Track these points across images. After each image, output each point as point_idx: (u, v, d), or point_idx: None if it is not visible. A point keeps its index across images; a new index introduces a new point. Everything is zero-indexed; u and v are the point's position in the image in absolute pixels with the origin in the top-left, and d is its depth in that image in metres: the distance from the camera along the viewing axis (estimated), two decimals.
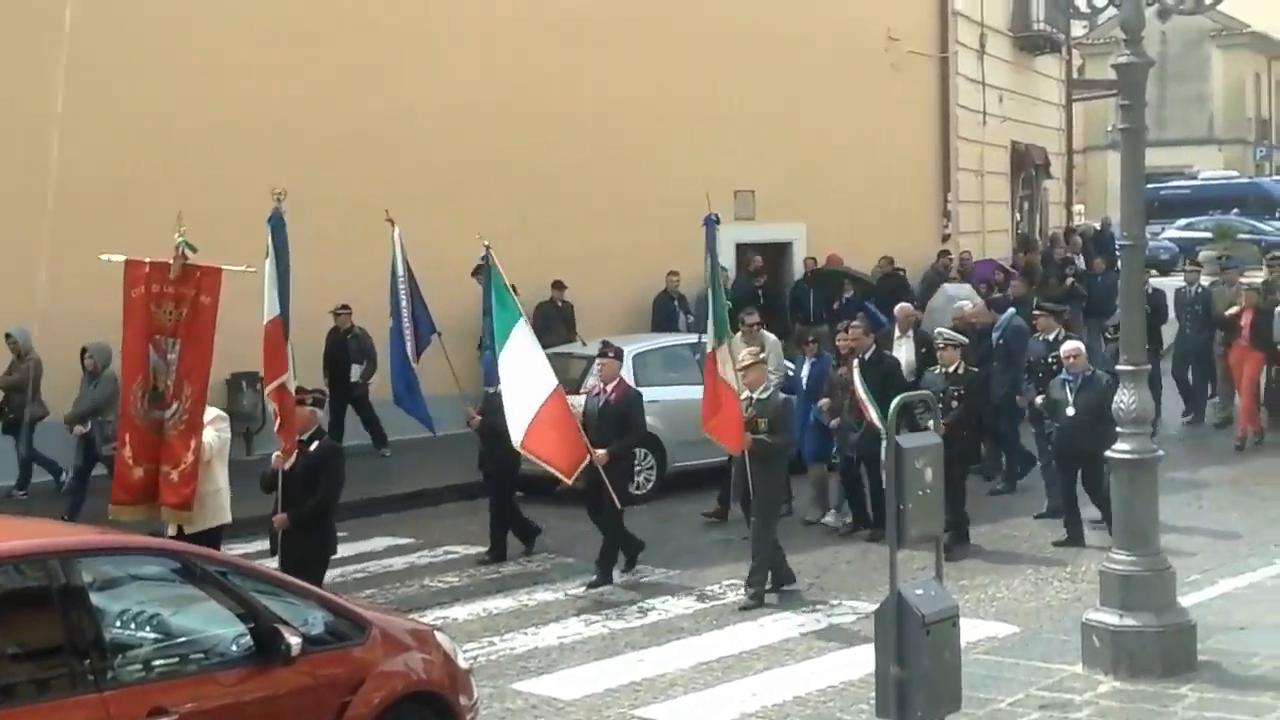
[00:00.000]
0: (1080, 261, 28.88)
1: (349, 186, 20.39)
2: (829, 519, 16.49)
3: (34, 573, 7.65)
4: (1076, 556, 14.82)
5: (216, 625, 8.13)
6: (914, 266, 26.46)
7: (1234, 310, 21.04)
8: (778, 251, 26.16)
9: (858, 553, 15.08)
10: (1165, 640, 10.60)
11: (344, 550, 15.78)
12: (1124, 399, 10.91)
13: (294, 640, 8.00)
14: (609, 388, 14.75)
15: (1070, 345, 15.76)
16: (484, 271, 14.83)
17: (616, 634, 12.74)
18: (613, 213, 23.23)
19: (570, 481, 13.85)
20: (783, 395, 14.34)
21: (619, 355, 15.18)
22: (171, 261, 11.84)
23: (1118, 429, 11.05)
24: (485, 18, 22.42)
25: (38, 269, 14.35)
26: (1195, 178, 59.12)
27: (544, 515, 16.30)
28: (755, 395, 13.90)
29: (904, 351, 18.52)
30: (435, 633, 9.37)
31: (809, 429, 16.58)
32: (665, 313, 23.20)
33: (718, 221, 14.78)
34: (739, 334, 16.88)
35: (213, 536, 11.92)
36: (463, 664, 9.28)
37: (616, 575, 14.28)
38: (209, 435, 11.94)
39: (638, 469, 17.78)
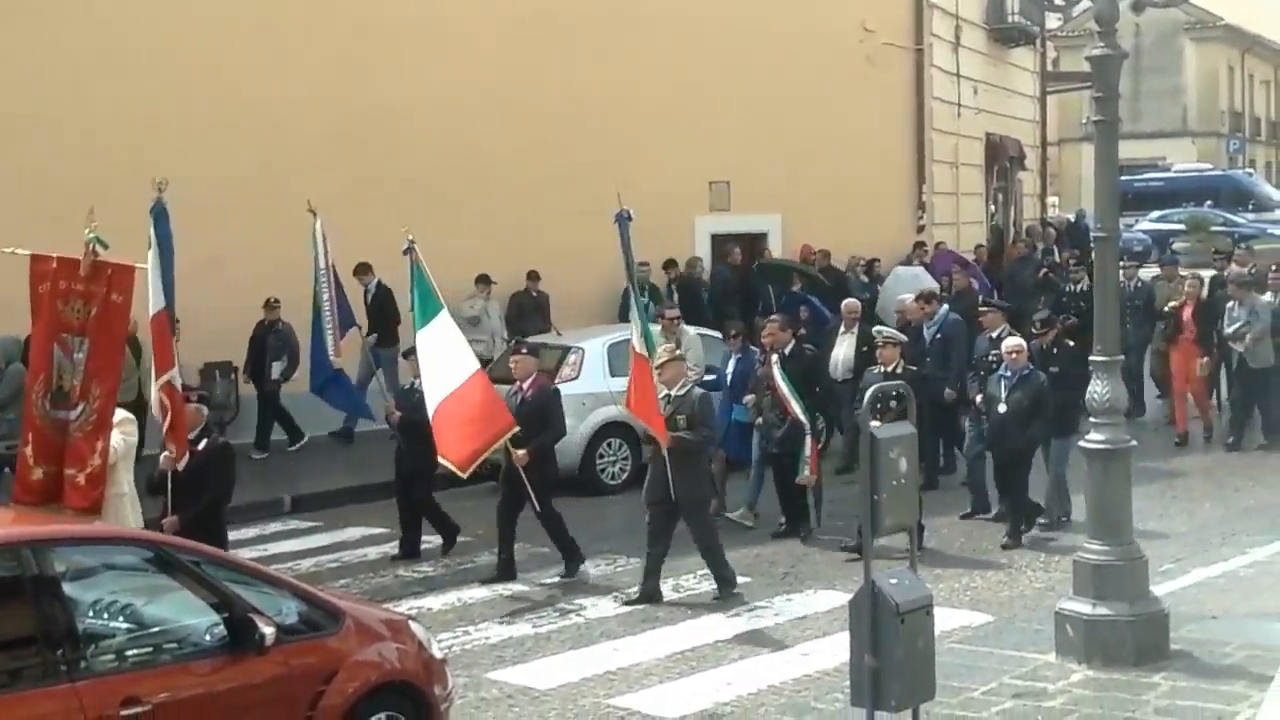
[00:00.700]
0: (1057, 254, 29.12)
1: (330, 182, 20.29)
2: (736, 515, 16.06)
3: (6, 562, 7.64)
4: (1050, 546, 14.87)
5: (190, 615, 8.13)
6: (889, 258, 26.51)
7: (1174, 304, 20.62)
8: (754, 242, 26.13)
9: (833, 541, 15.07)
10: (1138, 629, 10.65)
11: (318, 540, 15.87)
12: (1097, 389, 10.97)
13: (268, 630, 7.99)
14: (525, 385, 14.27)
15: (1011, 341, 15.51)
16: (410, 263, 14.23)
17: (591, 623, 12.75)
18: (589, 205, 22.98)
19: (464, 474, 13.45)
20: (700, 391, 13.89)
21: (534, 351, 14.90)
22: (81, 258, 11.30)
23: (1092, 419, 11.11)
24: (464, 15, 22.37)
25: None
26: (1169, 170, 59.28)
27: None
28: (673, 392, 13.57)
29: (845, 347, 18.28)
30: (409, 622, 9.36)
31: (730, 426, 16.23)
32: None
33: (629, 219, 14.30)
34: (658, 330, 16.61)
35: None
36: (437, 654, 9.28)
37: (478, 588, 13.84)
38: (115, 438, 11.34)
39: (613, 459, 17.79)
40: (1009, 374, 15.10)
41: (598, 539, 15.12)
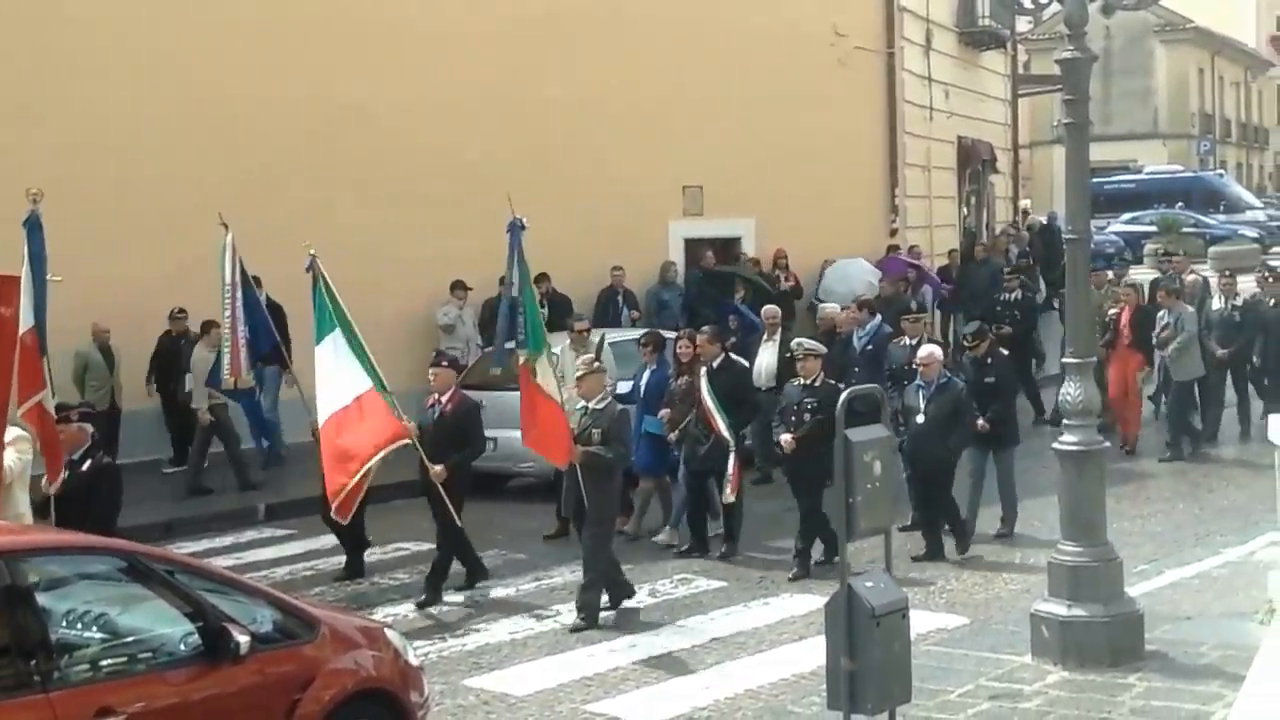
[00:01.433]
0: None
1: (304, 183, 20.32)
2: (662, 536, 15.58)
3: None
4: (1025, 547, 14.90)
5: (164, 624, 8.08)
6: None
7: (1113, 311, 20.09)
8: (728, 246, 26.13)
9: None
10: (1113, 630, 10.69)
11: (293, 548, 15.82)
12: (1070, 391, 11.01)
13: (243, 639, 7.96)
14: (443, 399, 13.83)
15: (925, 350, 15.01)
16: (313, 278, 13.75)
17: (568, 629, 12.72)
18: (561, 209, 23.15)
19: (334, 512, 13.16)
20: (619, 407, 13.41)
21: (453, 364, 14.45)
22: None
23: (1065, 421, 11.14)
24: (439, 16, 22.33)
25: None
26: (1140, 172, 59.59)
27: (494, 512, 16.30)
28: (591, 405, 13.10)
29: (768, 356, 17.62)
30: (385, 630, 9.35)
31: (644, 439, 15.74)
32: (609, 308, 23.13)
33: (523, 227, 13.96)
34: (569, 342, 16.56)
35: None
36: (413, 661, 9.26)
37: (454, 595, 13.69)
38: (9, 458, 10.81)
39: None
40: (926, 384, 14.67)
41: (573, 542, 15.05)
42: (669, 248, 25.26)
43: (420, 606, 13.42)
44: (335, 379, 13.26)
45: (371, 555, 15.17)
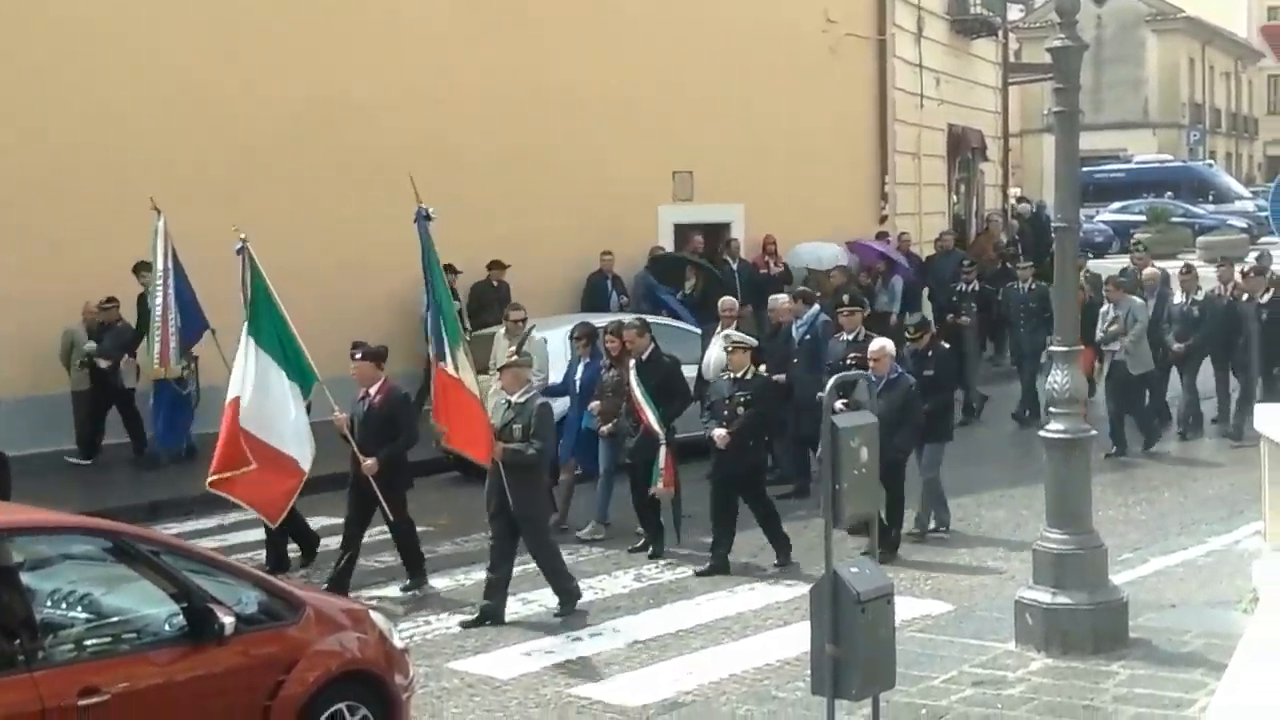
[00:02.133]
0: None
1: (288, 170, 20.28)
2: (586, 531, 15.26)
3: None
4: (1011, 535, 14.93)
5: (149, 605, 8.09)
6: None
7: None
8: (718, 232, 26.12)
9: (794, 529, 15.07)
10: (1097, 618, 10.72)
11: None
12: (1057, 379, 11.03)
13: (227, 620, 7.97)
14: (371, 391, 13.35)
15: (875, 344, 14.51)
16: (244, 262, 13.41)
17: (553, 613, 12.74)
18: (551, 194, 23.19)
19: (274, 524, 13.18)
20: (541, 401, 13.01)
21: (369, 355, 13.57)
22: None
23: (1051, 409, 11.16)
24: (427, 4, 22.29)
25: None
26: (1130, 161, 59.66)
27: (479, 496, 16.27)
28: (513, 399, 12.76)
29: (717, 348, 16.59)
30: (370, 612, 9.35)
31: (581, 435, 15.51)
32: (598, 293, 23.09)
33: (429, 217, 13.35)
34: (503, 331, 16.26)
35: None
36: (398, 643, 9.26)
37: (398, 590, 13.57)
38: None
39: None
40: (875, 379, 13.79)
41: (556, 529, 15.04)
42: (658, 233, 25.25)
43: (406, 590, 13.40)
44: (241, 371, 13.03)
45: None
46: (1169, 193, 52.80)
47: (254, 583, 8.72)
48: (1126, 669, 10.31)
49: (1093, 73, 62.11)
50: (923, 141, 31.15)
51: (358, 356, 13.47)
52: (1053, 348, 11.26)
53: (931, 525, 15.13)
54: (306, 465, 13.14)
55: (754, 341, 14.93)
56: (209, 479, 13.03)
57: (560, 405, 15.23)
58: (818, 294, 18.32)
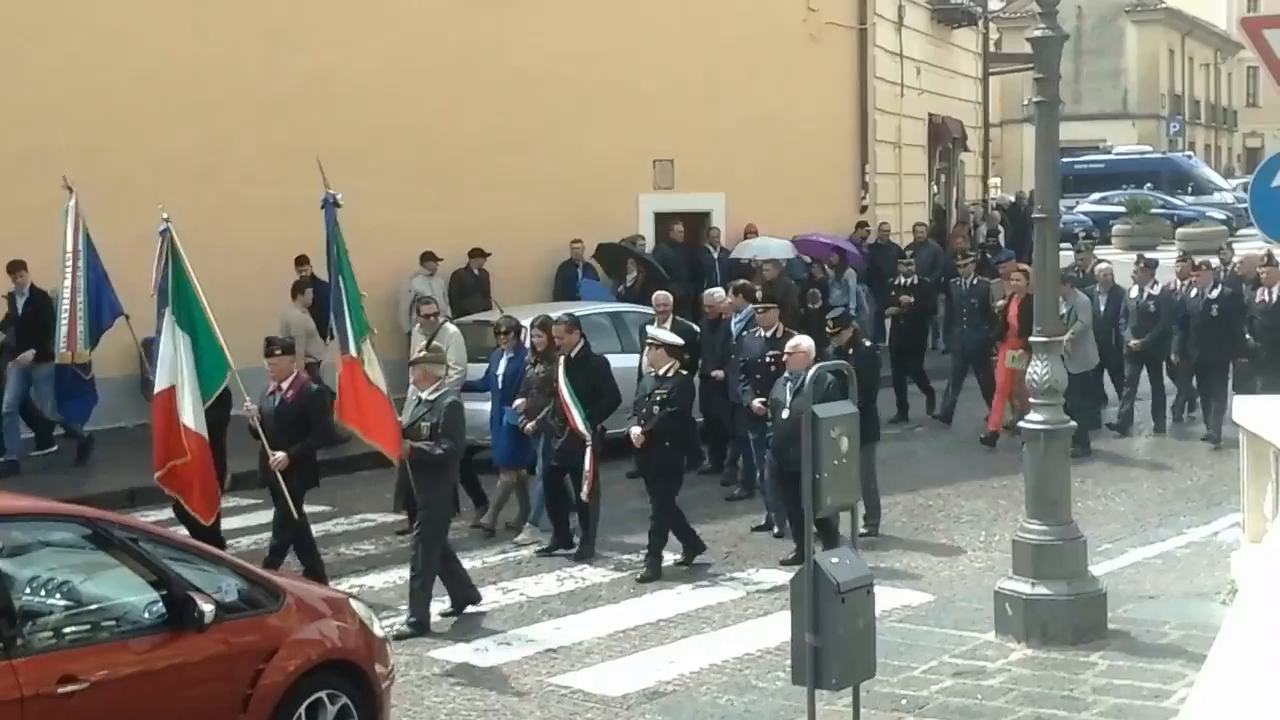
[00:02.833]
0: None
1: (264, 151, 20.19)
2: (523, 535, 14.77)
3: None
4: (990, 526, 14.97)
5: (129, 592, 8.07)
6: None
7: (1001, 303, 19.29)
8: (698, 220, 26.14)
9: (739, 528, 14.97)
10: (1076, 608, 10.75)
11: (259, 518, 15.70)
12: (1037, 369, 11.06)
13: (207, 607, 7.94)
14: (284, 385, 12.82)
15: (793, 341, 13.88)
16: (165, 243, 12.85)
17: (534, 602, 12.74)
18: (531, 182, 23.15)
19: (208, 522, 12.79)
20: (452, 398, 12.50)
21: (288, 350, 13.17)
22: None
23: (1030, 400, 11.18)
24: None
25: None
26: (1109, 152, 59.79)
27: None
28: (424, 395, 12.35)
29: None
30: (350, 600, 9.35)
31: (504, 431, 15.03)
32: (568, 281, 23.03)
33: (336, 204, 12.83)
34: (418, 327, 15.97)
35: None
36: (378, 632, 9.25)
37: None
38: None
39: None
40: (793, 376, 13.42)
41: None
42: (639, 221, 25.24)
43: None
44: (163, 358, 12.77)
45: (338, 526, 15.15)
46: (1148, 184, 52.94)
47: (234, 570, 8.70)
48: (1105, 660, 10.35)
49: (1073, 63, 62.29)
50: (903, 131, 31.17)
51: (276, 352, 12.91)
52: (1033, 338, 11.28)
53: (862, 530, 14.22)
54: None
55: (672, 339, 14.48)
56: (156, 474, 12.78)
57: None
58: (757, 289, 17.84)
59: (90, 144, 18.69)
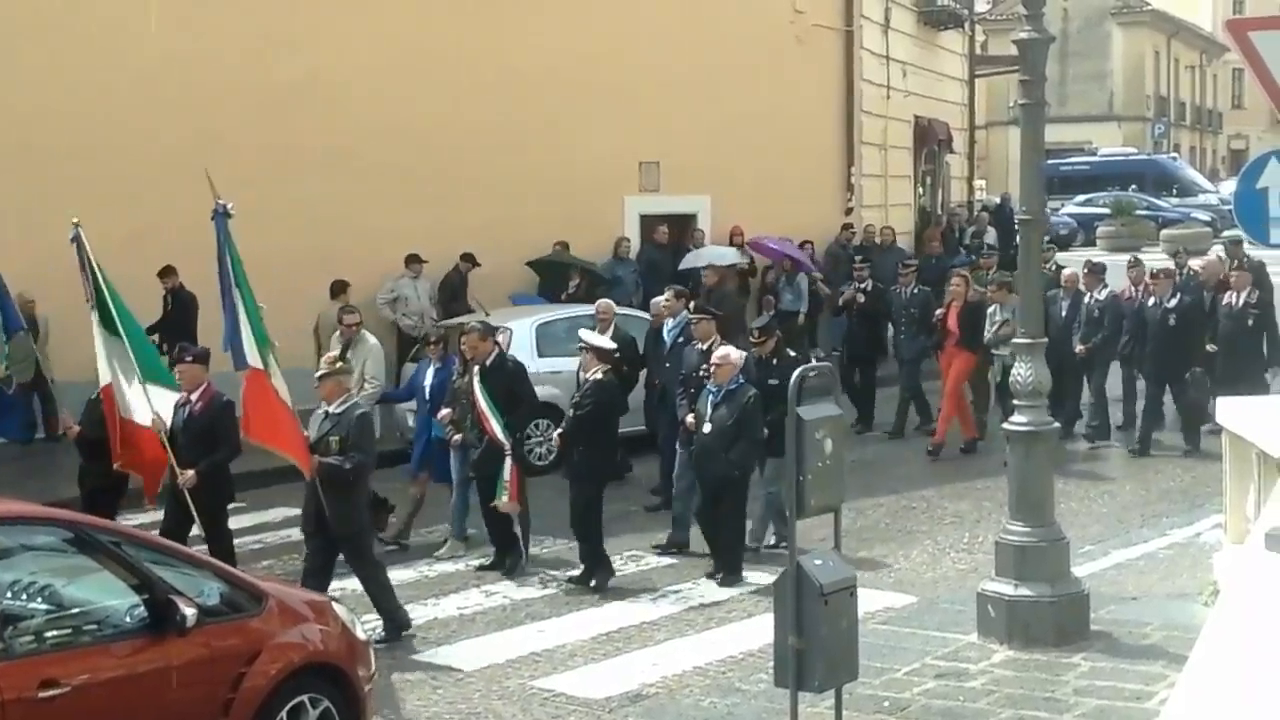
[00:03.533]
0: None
1: (254, 151, 20.13)
2: (443, 550, 14.44)
3: None
4: (974, 527, 14.98)
5: (110, 596, 8.06)
6: (818, 240, 26.59)
7: (940, 311, 18.91)
8: (683, 223, 26.14)
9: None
10: (1059, 610, 10.77)
11: (241, 521, 15.68)
12: (1020, 372, 11.09)
13: (189, 611, 7.93)
14: (193, 396, 12.37)
15: (720, 351, 13.56)
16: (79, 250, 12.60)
17: (517, 605, 12.74)
18: (515, 182, 23.11)
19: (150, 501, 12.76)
20: (361, 410, 12.19)
21: (199, 358, 12.65)
22: None
23: (1014, 402, 11.20)
24: None
25: None
26: (1095, 154, 59.89)
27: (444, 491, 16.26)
28: (331, 409, 11.92)
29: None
30: (333, 604, 9.35)
31: (431, 444, 14.79)
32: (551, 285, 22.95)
33: (228, 214, 12.36)
34: (335, 335, 15.82)
35: None
36: (361, 635, 9.26)
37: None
38: None
39: (540, 440, 17.57)
40: (716, 389, 13.26)
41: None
42: (625, 223, 25.23)
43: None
44: (101, 360, 12.69)
45: None
46: (1133, 186, 53.01)
47: (216, 574, 8.71)
48: (1088, 661, 10.37)
49: (1058, 65, 62.40)
50: (889, 133, 31.20)
51: (187, 359, 12.61)
52: (1017, 340, 11.30)
53: (770, 541, 14.14)
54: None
55: (602, 343, 14.21)
56: (115, 464, 12.77)
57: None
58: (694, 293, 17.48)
59: (82, 145, 18.67)
